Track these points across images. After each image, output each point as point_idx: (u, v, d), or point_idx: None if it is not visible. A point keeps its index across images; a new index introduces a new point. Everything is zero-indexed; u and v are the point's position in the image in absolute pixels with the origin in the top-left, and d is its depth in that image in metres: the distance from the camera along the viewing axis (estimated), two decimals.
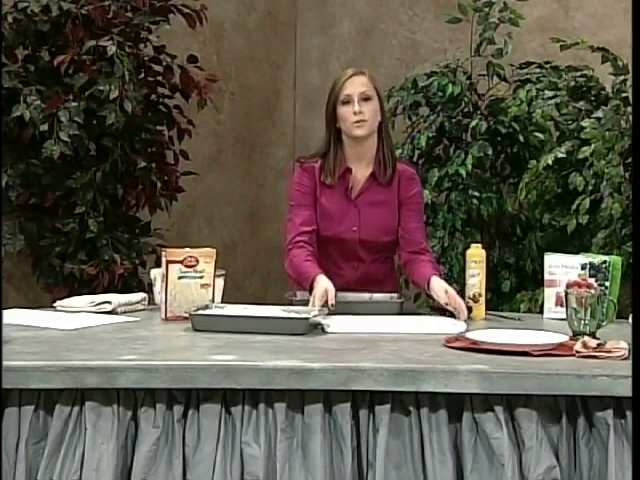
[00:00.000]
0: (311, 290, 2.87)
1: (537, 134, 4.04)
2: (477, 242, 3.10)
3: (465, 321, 2.76)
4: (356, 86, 3.01)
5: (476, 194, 4.06)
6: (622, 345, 2.26)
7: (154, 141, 4.18)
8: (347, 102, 3.01)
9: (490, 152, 4.06)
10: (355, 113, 2.98)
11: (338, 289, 2.95)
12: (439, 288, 2.90)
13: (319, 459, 2.10)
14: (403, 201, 3.11)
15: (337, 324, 2.64)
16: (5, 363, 2.10)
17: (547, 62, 4.21)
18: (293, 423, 2.13)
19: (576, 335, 2.43)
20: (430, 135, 4.16)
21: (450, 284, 4.04)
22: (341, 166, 3.07)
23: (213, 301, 2.85)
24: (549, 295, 2.93)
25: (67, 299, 3.01)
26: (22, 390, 2.14)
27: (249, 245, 5.05)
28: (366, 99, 3.00)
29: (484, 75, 4.22)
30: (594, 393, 2.10)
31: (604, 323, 2.50)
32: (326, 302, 2.78)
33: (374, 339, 2.50)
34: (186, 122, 4.21)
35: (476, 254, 2.94)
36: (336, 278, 2.98)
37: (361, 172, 3.09)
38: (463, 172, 4.02)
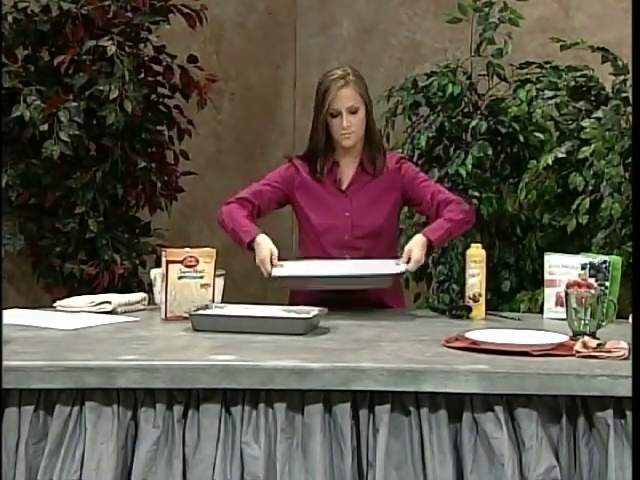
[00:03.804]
0: (249, 246, 2.97)
1: (537, 134, 4.04)
2: (477, 242, 3.10)
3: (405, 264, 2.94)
4: (343, 101, 3.06)
5: (476, 194, 4.05)
6: (622, 345, 2.26)
7: (154, 141, 4.18)
8: (335, 115, 3.07)
9: (490, 152, 4.05)
10: (343, 127, 3.06)
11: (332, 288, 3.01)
12: (408, 247, 2.97)
13: (319, 459, 2.10)
14: (408, 184, 3.14)
15: (284, 269, 2.90)
16: (5, 363, 2.10)
17: (547, 62, 4.21)
18: (293, 423, 2.14)
19: (576, 335, 2.43)
20: (430, 135, 4.15)
21: (450, 284, 4.10)
22: (328, 161, 3.14)
23: (213, 301, 2.85)
24: (549, 295, 2.93)
25: (67, 299, 3.01)
26: (22, 390, 2.14)
27: None
28: (353, 112, 3.06)
29: (484, 75, 4.21)
30: (594, 393, 2.10)
31: (604, 323, 2.51)
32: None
33: (374, 339, 2.50)
34: (186, 122, 4.21)
35: (476, 254, 2.94)
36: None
37: (349, 165, 3.16)
38: (463, 172, 4.02)
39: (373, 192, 3.12)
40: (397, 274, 2.94)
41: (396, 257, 3.26)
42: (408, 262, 2.94)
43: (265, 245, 2.96)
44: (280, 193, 3.16)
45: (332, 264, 2.97)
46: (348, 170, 3.15)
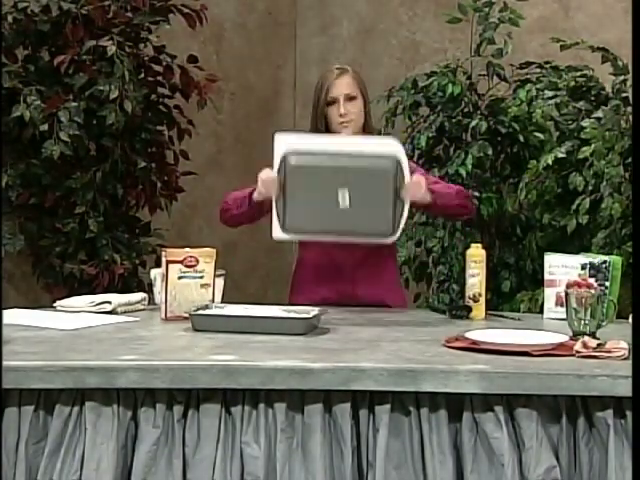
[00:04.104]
0: (250, 199, 2.89)
1: (537, 134, 4.04)
2: (477, 242, 3.10)
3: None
4: (341, 88, 3.05)
5: (476, 194, 4.06)
6: (622, 345, 2.26)
7: (154, 141, 4.18)
8: (332, 103, 3.05)
9: (490, 152, 4.06)
10: (341, 115, 3.04)
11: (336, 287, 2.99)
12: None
13: (319, 459, 2.10)
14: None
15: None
16: (5, 363, 2.10)
17: (547, 62, 4.21)
18: (293, 423, 2.13)
19: (576, 335, 2.43)
20: (430, 135, 4.16)
21: (450, 284, 4.10)
22: None
23: (213, 301, 2.85)
24: (549, 295, 2.93)
25: (67, 299, 3.01)
26: (22, 390, 2.14)
27: (249, 245, 5.05)
28: (351, 99, 3.05)
29: (484, 75, 4.21)
30: (594, 393, 2.10)
31: (604, 323, 2.50)
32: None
33: (374, 339, 2.50)
34: (186, 122, 4.21)
35: (476, 254, 2.94)
36: (332, 269, 3.04)
37: None
38: (463, 172, 4.02)
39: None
40: (400, 158, 2.77)
41: (395, 256, 3.25)
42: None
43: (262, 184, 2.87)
44: None
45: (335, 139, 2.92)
46: None
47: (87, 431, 2.12)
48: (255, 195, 2.88)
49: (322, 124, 3.08)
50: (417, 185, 2.80)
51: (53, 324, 2.64)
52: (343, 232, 2.81)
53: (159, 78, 4.15)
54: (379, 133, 4.10)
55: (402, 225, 2.79)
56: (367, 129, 3.12)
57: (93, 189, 3.93)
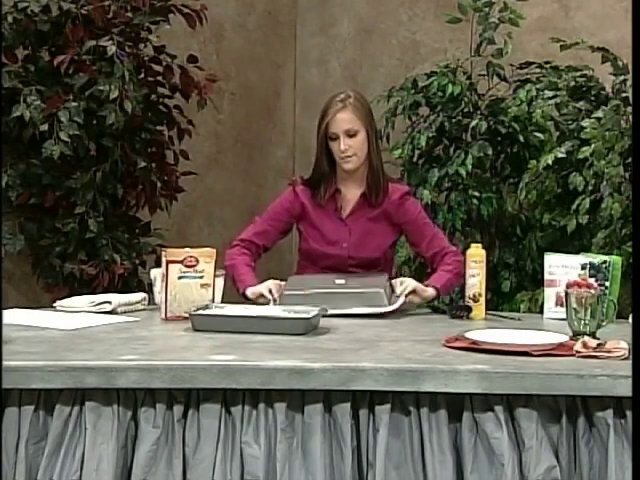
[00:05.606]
0: (244, 295, 3.01)
1: (537, 134, 4.04)
2: (477, 242, 3.10)
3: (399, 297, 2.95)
4: (341, 124, 3.07)
5: (476, 194, 4.06)
6: (622, 345, 2.26)
7: (154, 141, 4.18)
8: (334, 139, 3.07)
9: (490, 152, 4.06)
10: (341, 151, 3.06)
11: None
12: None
13: (319, 459, 2.10)
14: (407, 224, 3.15)
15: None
16: (5, 363, 2.09)
17: (547, 62, 4.21)
18: (293, 423, 2.13)
19: (576, 335, 2.43)
20: (430, 135, 4.16)
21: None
22: (331, 187, 3.13)
23: (213, 301, 2.85)
24: (549, 295, 2.93)
25: (67, 299, 3.01)
26: (22, 390, 2.14)
27: None
28: (351, 135, 3.06)
29: (484, 75, 4.22)
30: (594, 393, 2.10)
31: (604, 323, 2.51)
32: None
33: (374, 339, 2.51)
34: (186, 122, 4.21)
35: (476, 254, 2.95)
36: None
37: (351, 193, 3.16)
38: (463, 172, 4.02)
39: (373, 224, 3.13)
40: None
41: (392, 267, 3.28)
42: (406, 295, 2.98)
43: (255, 294, 2.99)
44: (284, 225, 3.19)
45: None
46: (350, 198, 3.15)
47: (87, 431, 2.12)
48: (248, 294, 3.00)
49: (325, 154, 3.11)
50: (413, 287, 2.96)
51: (53, 324, 2.64)
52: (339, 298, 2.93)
53: (159, 78, 4.15)
54: (380, 136, 4.10)
55: (397, 305, 2.92)
56: (371, 162, 3.12)
57: (93, 189, 3.93)
